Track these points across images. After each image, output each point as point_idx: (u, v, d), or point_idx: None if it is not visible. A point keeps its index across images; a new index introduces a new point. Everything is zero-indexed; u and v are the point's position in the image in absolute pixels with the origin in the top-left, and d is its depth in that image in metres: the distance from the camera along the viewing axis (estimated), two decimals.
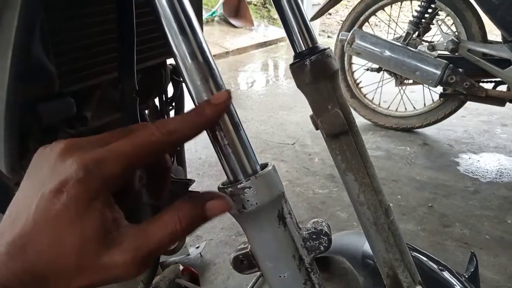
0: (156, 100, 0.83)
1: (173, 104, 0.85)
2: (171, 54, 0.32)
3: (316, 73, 0.50)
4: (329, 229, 0.38)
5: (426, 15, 2.27)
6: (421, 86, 2.49)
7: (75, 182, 0.24)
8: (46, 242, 0.24)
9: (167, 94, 0.83)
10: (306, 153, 2.42)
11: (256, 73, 4.38)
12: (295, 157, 2.37)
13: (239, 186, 0.32)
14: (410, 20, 2.29)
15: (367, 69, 2.61)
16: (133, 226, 0.27)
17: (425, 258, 0.84)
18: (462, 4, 2.26)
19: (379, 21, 2.90)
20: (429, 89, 2.50)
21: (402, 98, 2.63)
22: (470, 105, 2.57)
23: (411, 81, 2.44)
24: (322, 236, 0.37)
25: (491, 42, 2.25)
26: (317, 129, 0.54)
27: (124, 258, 0.25)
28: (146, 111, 0.83)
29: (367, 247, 0.69)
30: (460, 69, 2.10)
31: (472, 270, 0.85)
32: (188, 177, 0.90)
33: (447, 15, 2.35)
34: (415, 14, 2.28)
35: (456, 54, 2.17)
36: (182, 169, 0.88)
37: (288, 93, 3.56)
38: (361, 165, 0.53)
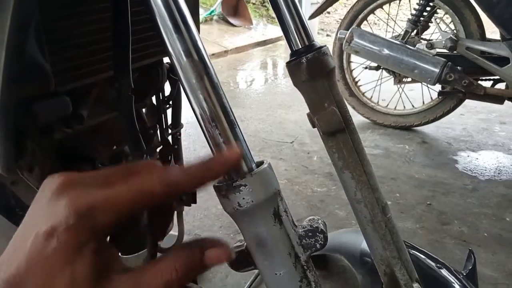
0: (154, 99, 0.83)
1: (170, 102, 0.85)
2: (166, 53, 0.32)
3: (313, 71, 0.50)
4: (325, 226, 0.38)
5: (425, 13, 2.27)
6: (419, 84, 2.49)
7: (65, 229, 0.24)
8: (39, 283, 0.24)
9: (164, 93, 0.83)
10: (305, 151, 2.42)
11: (254, 71, 4.37)
12: (294, 155, 2.37)
13: (234, 184, 0.32)
14: (408, 18, 2.28)
15: (366, 68, 2.61)
16: (127, 272, 0.26)
17: (423, 256, 0.84)
18: (460, 2, 2.26)
19: (377, 20, 2.89)
20: (428, 87, 2.50)
21: (400, 96, 2.63)
22: (468, 103, 2.57)
23: (409, 79, 2.44)
24: (318, 234, 0.37)
25: (490, 40, 2.25)
26: (314, 127, 0.54)
27: None
28: (144, 110, 0.83)
29: (365, 245, 0.69)
30: (458, 67, 2.10)
31: (470, 267, 0.85)
32: None
33: (446, 13, 2.35)
34: (414, 12, 2.27)
35: (455, 52, 2.16)
36: None
37: (286, 91, 3.55)
38: (358, 163, 0.53)
